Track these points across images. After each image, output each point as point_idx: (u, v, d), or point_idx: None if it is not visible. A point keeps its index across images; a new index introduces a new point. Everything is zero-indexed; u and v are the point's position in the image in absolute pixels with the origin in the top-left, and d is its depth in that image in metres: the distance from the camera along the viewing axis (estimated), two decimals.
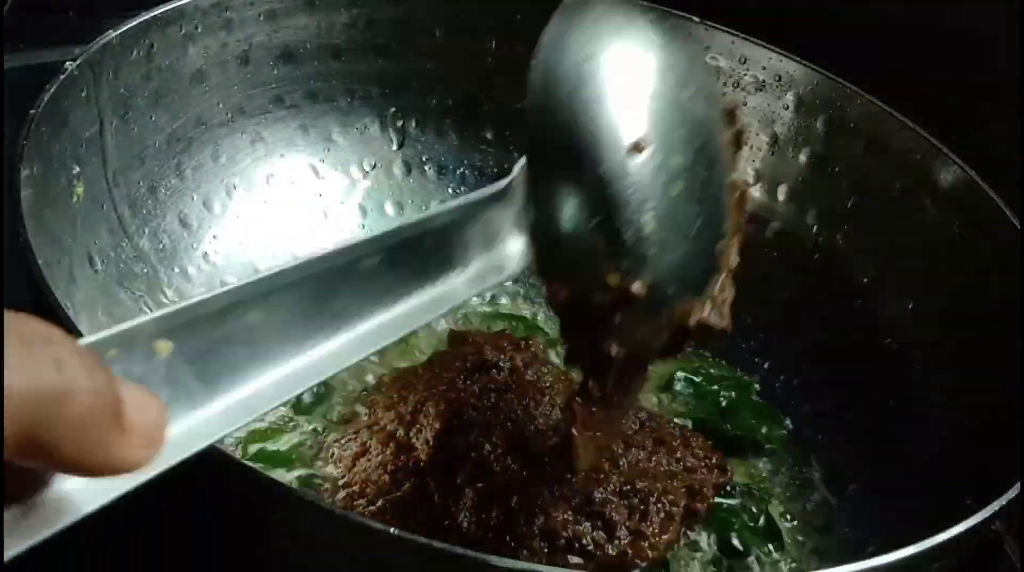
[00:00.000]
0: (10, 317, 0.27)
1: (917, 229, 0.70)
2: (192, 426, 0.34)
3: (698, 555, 0.61)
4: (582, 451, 0.50)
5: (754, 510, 0.64)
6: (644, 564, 0.57)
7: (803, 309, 0.74)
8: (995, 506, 0.48)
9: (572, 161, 0.44)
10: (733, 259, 0.48)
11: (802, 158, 0.76)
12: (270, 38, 0.73)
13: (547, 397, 0.63)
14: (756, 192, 0.77)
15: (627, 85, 0.45)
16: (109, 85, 0.63)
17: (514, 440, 0.59)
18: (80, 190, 0.60)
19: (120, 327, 0.33)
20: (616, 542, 0.56)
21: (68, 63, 0.59)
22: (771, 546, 0.63)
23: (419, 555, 0.40)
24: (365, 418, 0.64)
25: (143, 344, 0.34)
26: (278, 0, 0.72)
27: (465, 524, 0.55)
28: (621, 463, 0.59)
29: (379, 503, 0.57)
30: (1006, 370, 0.60)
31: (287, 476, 0.60)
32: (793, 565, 0.62)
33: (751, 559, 0.62)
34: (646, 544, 0.57)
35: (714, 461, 0.64)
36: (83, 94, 0.61)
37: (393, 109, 0.79)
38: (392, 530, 0.40)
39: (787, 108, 0.76)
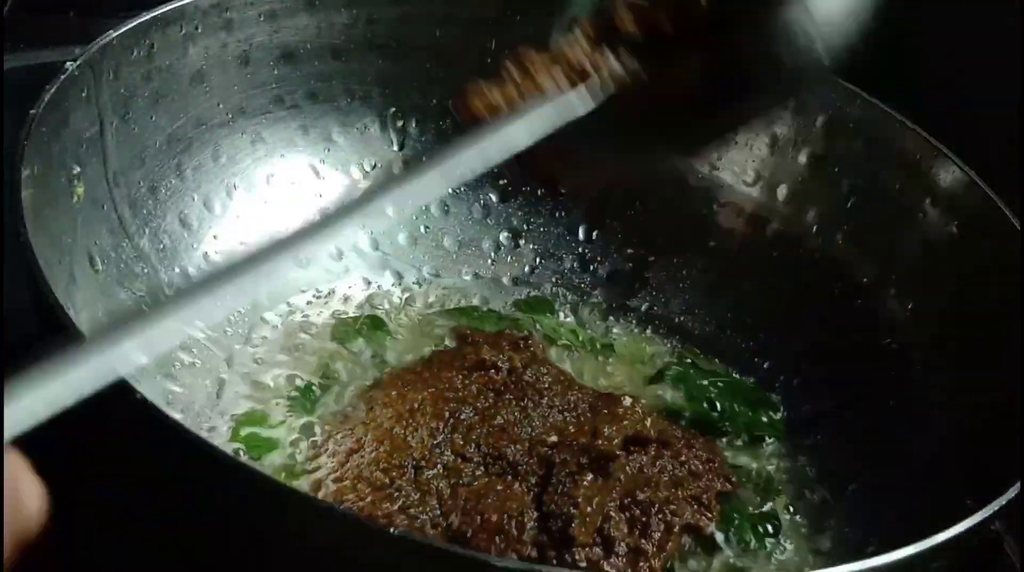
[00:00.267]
0: None
1: (917, 229, 0.70)
2: None
3: (698, 555, 0.61)
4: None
5: (753, 510, 0.64)
6: None
7: (803, 309, 0.74)
8: (995, 506, 0.48)
9: None
10: None
11: (802, 158, 0.76)
12: (270, 38, 0.73)
13: (545, 398, 0.63)
14: (756, 192, 0.77)
15: None
16: (109, 85, 0.63)
17: (513, 441, 0.59)
18: (80, 190, 0.60)
19: None
20: (613, 559, 0.55)
21: (68, 63, 0.59)
22: (770, 545, 0.63)
23: (419, 555, 0.40)
24: (362, 415, 0.64)
25: None
26: (278, 0, 0.72)
27: (456, 524, 0.54)
28: (621, 476, 0.58)
29: (369, 499, 0.56)
30: (1006, 370, 0.60)
31: (276, 460, 0.61)
32: (793, 565, 0.62)
33: (751, 558, 0.61)
34: (645, 566, 0.56)
35: (717, 465, 0.63)
36: (83, 94, 0.61)
37: (393, 109, 0.79)
38: (392, 530, 0.40)
39: (787, 108, 0.76)
